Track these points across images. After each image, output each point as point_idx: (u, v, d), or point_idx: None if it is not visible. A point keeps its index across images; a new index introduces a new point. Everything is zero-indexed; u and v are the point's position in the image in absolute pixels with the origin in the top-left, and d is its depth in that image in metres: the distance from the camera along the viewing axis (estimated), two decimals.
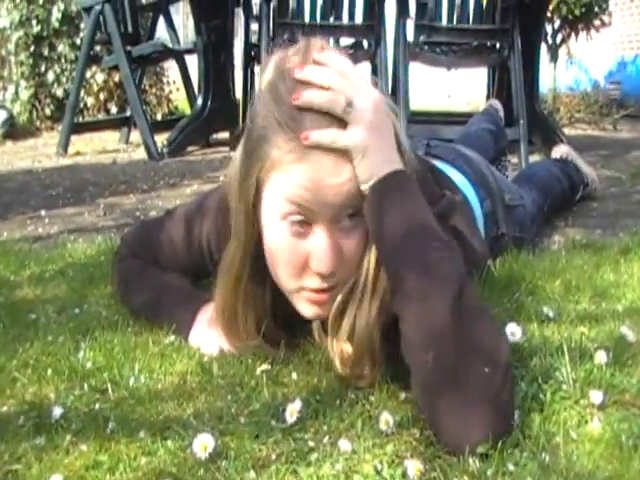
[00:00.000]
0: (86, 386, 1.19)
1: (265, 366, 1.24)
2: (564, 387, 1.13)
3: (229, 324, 1.29)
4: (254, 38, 4.96)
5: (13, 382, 1.22)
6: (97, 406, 1.12)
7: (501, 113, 2.94)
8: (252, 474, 0.94)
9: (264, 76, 1.16)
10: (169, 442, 1.01)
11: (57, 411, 1.08)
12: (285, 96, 1.10)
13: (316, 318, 1.22)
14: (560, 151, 2.81)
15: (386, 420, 1.04)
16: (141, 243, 1.60)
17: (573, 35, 8.22)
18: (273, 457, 0.98)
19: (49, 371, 1.24)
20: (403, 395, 1.14)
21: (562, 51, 8.61)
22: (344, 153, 1.08)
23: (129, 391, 1.17)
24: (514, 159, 3.45)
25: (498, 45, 4.43)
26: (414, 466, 0.93)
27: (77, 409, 1.11)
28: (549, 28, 8.01)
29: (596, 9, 8.07)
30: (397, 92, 4.29)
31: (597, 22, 8.22)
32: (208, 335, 1.34)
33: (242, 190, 1.17)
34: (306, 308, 1.21)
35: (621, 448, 0.97)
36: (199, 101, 4.85)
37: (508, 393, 1.00)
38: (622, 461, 0.94)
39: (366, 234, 1.14)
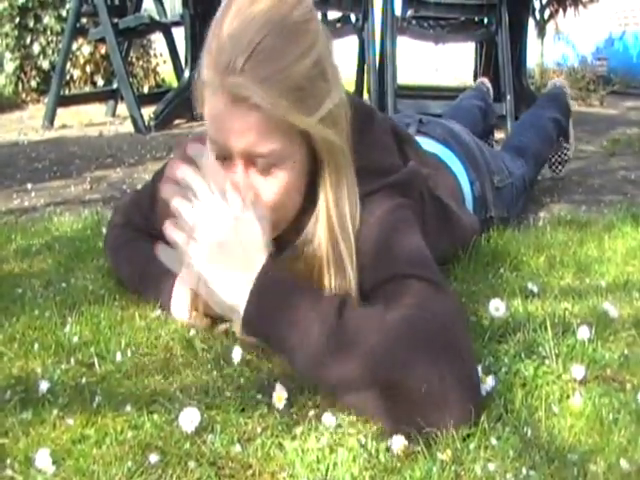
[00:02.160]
0: (72, 360, 1.19)
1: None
2: (547, 362, 1.15)
3: None
4: None
5: None
6: (84, 380, 1.12)
7: (491, 92, 2.94)
8: (238, 447, 0.95)
9: None
10: (155, 416, 1.02)
11: (43, 385, 1.08)
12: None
13: None
14: (557, 81, 2.84)
15: None
16: (133, 207, 1.59)
17: (561, 10, 8.19)
18: (258, 431, 0.99)
19: (35, 345, 1.24)
20: None
21: (550, 27, 8.59)
22: (245, 102, 1.06)
23: (115, 365, 1.18)
24: (501, 134, 3.45)
25: (486, 20, 4.42)
26: (398, 441, 0.95)
27: (64, 383, 1.11)
28: (537, 3, 7.98)
29: None
30: (385, 66, 4.28)
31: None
32: (179, 299, 1.34)
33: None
34: None
35: (602, 422, 0.99)
36: (186, 74, 4.82)
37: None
38: (602, 435, 0.96)
39: (293, 183, 1.15)
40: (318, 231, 1.18)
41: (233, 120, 1.07)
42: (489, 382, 1.06)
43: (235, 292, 1.08)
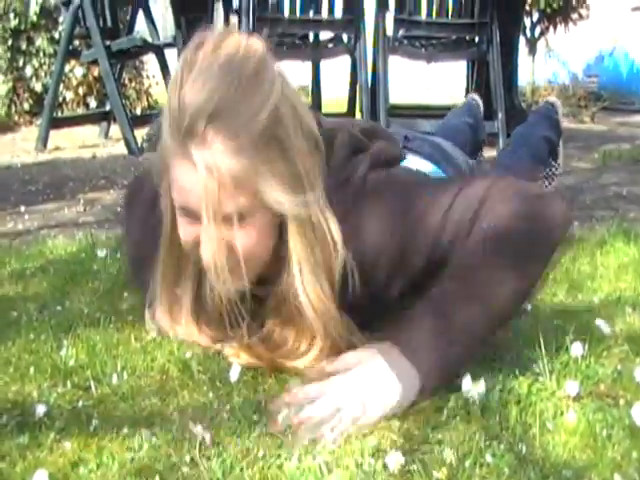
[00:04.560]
0: (69, 383, 1.20)
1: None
2: (540, 379, 1.16)
3: (168, 306, 1.30)
4: None
5: None
6: (80, 403, 1.13)
7: (481, 107, 2.95)
8: (237, 470, 0.95)
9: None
10: (153, 438, 1.02)
11: (40, 409, 1.08)
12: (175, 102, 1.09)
13: (230, 293, 1.20)
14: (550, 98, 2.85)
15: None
16: (139, 184, 1.61)
17: (552, 28, 8.28)
18: (257, 452, 0.99)
19: (31, 369, 1.24)
20: None
21: (541, 44, 8.66)
22: (208, 170, 1.07)
23: (112, 388, 1.18)
24: (492, 152, 3.47)
25: (477, 39, 4.46)
26: (395, 459, 0.95)
27: (60, 407, 1.12)
28: (527, 21, 8.07)
29: (574, 2, 8.14)
30: (377, 86, 4.31)
31: (575, 15, 8.29)
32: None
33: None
34: (215, 283, 1.20)
35: (595, 438, 1.00)
36: None
37: None
38: (596, 450, 0.97)
39: (271, 228, 1.16)
40: (292, 279, 1.18)
41: (198, 183, 1.08)
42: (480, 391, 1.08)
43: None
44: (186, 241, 1.16)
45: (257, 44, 1.14)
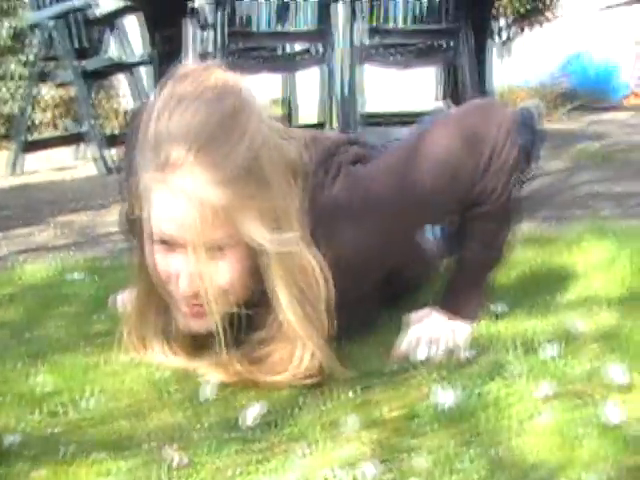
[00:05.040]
0: (41, 411, 1.18)
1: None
2: (514, 381, 1.16)
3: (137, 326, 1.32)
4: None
5: None
6: (52, 430, 1.12)
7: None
8: None
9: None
10: (126, 461, 1.01)
11: (11, 438, 1.07)
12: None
13: (196, 332, 1.24)
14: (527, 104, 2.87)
15: (341, 424, 1.06)
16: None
17: (525, 30, 8.36)
18: (231, 470, 0.98)
19: (2, 398, 1.23)
20: (357, 398, 1.16)
21: (514, 47, 8.73)
22: (189, 199, 1.09)
23: (83, 413, 1.17)
24: None
25: (448, 44, 4.49)
26: (368, 470, 0.95)
27: (32, 435, 1.10)
28: (501, 23, 8.15)
29: (540, 6, 8.23)
30: (350, 95, 4.33)
31: (548, 15, 8.37)
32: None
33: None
34: (183, 320, 1.22)
35: (567, 438, 0.99)
36: None
37: None
38: (568, 450, 0.97)
39: (245, 262, 1.16)
40: (277, 308, 1.19)
41: (177, 213, 1.09)
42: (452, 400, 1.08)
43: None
44: (162, 271, 1.17)
45: (235, 79, 1.17)
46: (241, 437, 1.06)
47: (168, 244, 1.14)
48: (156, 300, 1.27)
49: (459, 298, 1.42)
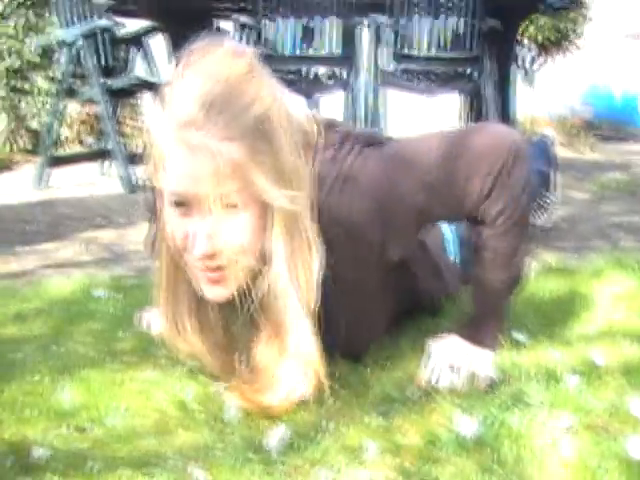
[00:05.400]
0: (68, 425, 1.20)
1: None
2: (534, 412, 1.16)
3: (169, 311, 1.33)
4: None
5: None
6: (79, 445, 1.14)
7: None
8: None
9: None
10: (151, 479, 1.03)
11: (39, 452, 1.09)
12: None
13: (217, 299, 1.25)
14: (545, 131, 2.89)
15: (363, 449, 1.07)
16: None
17: (549, 60, 8.37)
18: None
19: (29, 411, 1.25)
20: (378, 423, 1.17)
21: (538, 76, 8.74)
22: (205, 153, 1.12)
23: (109, 429, 1.19)
24: None
25: (471, 72, 4.51)
26: None
27: (59, 449, 1.12)
28: (527, 55, 8.17)
29: (570, 34, 8.24)
30: (374, 120, 4.35)
31: (571, 46, 8.39)
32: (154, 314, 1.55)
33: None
34: (205, 288, 1.24)
35: (590, 471, 1.00)
36: None
37: None
38: None
39: (257, 223, 1.19)
40: (275, 275, 1.22)
41: (192, 167, 1.13)
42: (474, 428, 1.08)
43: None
44: (177, 238, 1.20)
45: (248, 49, 1.25)
46: (264, 458, 1.08)
47: (184, 207, 1.17)
48: (182, 279, 1.28)
49: (479, 326, 1.43)
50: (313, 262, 1.23)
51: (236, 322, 1.32)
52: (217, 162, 1.12)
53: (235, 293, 1.22)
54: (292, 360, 1.24)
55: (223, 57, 1.18)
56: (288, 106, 1.24)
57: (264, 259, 1.22)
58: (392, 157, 1.37)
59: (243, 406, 1.25)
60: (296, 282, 1.22)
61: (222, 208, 1.15)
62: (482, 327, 1.43)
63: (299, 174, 1.21)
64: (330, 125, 1.38)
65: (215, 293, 1.24)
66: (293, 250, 1.21)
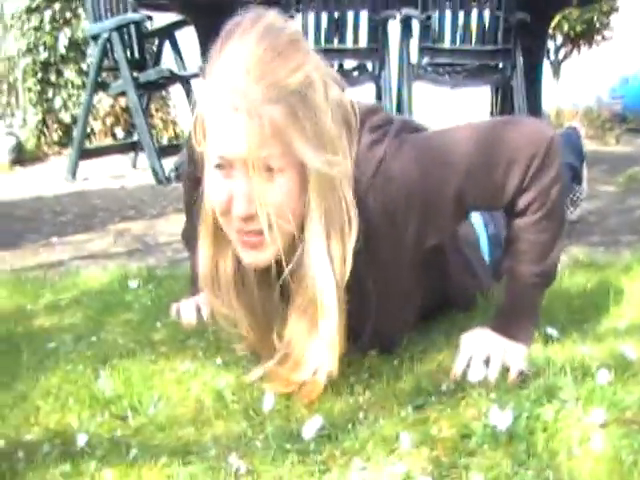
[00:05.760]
0: (107, 413, 1.24)
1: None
2: (567, 406, 1.17)
3: (209, 282, 1.35)
4: None
5: (36, 410, 1.27)
6: (119, 433, 1.17)
7: None
8: None
9: None
10: (190, 467, 1.06)
11: (81, 438, 1.13)
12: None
13: (254, 264, 1.27)
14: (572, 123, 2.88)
15: (396, 441, 1.09)
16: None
17: (576, 51, 8.31)
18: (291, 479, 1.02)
19: (70, 399, 1.28)
20: (412, 416, 1.19)
21: (565, 67, 8.68)
22: (248, 116, 1.15)
23: (149, 418, 1.22)
24: None
25: (501, 65, 4.50)
26: None
27: (100, 436, 1.15)
28: (551, 45, 8.10)
29: (597, 25, 8.17)
30: (402, 113, 4.36)
31: (598, 37, 8.32)
32: (188, 304, 1.65)
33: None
34: (243, 253, 1.26)
35: (621, 464, 1.01)
36: None
37: None
38: (622, 476, 0.98)
39: (297, 188, 1.21)
40: (309, 242, 1.24)
41: (237, 128, 1.16)
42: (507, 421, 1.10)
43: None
44: (219, 200, 1.22)
45: (292, 22, 1.28)
46: (301, 448, 1.10)
47: (226, 169, 1.20)
48: (224, 246, 1.31)
49: (512, 320, 1.44)
50: (348, 234, 1.24)
51: (272, 296, 1.35)
52: (258, 124, 1.15)
53: (272, 260, 1.25)
54: (320, 338, 1.26)
55: (269, 26, 1.20)
56: (330, 81, 1.26)
57: (301, 227, 1.24)
58: (430, 145, 1.37)
59: (278, 390, 1.27)
60: (329, 252, 1.24)
61: (262, 171, 1.17)
62: (515, 321, 1.43)
63: (338, 142, 1.24)
64: (372, 110, 1.39)
65: (252, 258, 1.26)
66: (328, 218, 1.23)
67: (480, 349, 1.37)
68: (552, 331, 1.51)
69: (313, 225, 1.23)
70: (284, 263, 1.25)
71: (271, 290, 1.34)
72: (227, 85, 1.16)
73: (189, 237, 1.77)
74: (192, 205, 1.68)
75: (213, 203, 1.25)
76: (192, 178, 1.64)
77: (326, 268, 1.24)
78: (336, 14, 4.38)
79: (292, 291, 1.30)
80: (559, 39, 8.57)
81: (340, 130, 1.26)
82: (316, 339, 1.27)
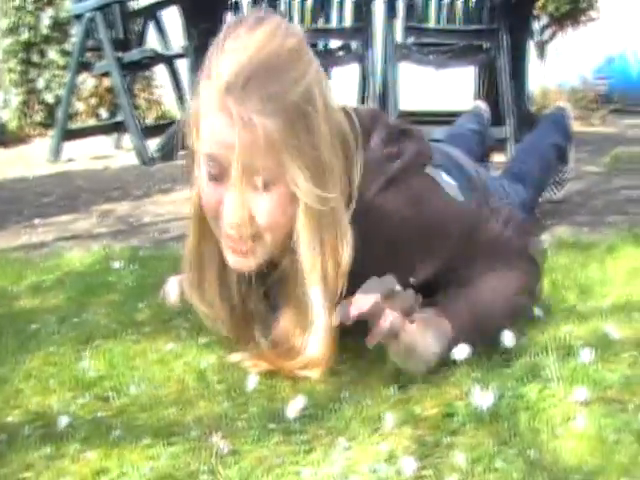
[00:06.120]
0: (89, 395, 1.23)
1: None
2: (550, 385, 1.18)
3: (194, 275, 1.36)
4: None
5: (17, 393, 1.26)
6: (101, 414, 1.16)
7: (487, 114, 2.97)
8: (254, 477, 0.98)
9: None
10: (172, 447, 1.05)
11: (62, 420, 1.12)
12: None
13: (239, 269, 1.27)
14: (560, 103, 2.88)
15: (381, 420, 1.10)
16: None
17: (561, 31, 8.30)
18: (274, 459, 1.02)
19: (52, 381, 1.28)
20: (396, 395, 1.19)
21: (550, 47, 8.67)
22: (243, 124, 1.12)
23: (131, 398, 1.21)
24: (502, 158, 3.49)
25: (486, 45, 4.49)
26: (408, 464, 0.98)
27: (82, 418, 1.15)
28: (536, 25, 8.08)
29: (583, 5, 8.15)
30: (386, 93, 4.35)
31: (584, 18, 8.30)
32: (172, 283, 1.59)
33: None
34: (229, 256, 1.25)
35: (604, 442, 1.02)
36: (189, 105, 4.86)
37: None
38: (605, 455, 0.99)
39: (288, 203, 1.19)
40: (297, 263, 1.24)
41: (229, 135, 1.13)
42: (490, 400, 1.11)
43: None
44: (210, 203, 1.21)
45: (297, 27, 1.26)
46: (284, 428, 1.10)
47: (218, 173, 1.18)
48: (211, 243, 1.31)
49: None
50: (342, 254, 1.23)
51: (252, 297, 1.35)
52: (253, 135, 1.12)
53: (256, 266, 1.25)
54: (312, 335, 1.26)
55: (274, 31, 1.17)
56: (329, 95, 1.23)
57: (290, 237, 1.23)
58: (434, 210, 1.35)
59: (264, 369, 1.28)
60: (321, 272, 1.22)
61: (254, 183, 1.16)
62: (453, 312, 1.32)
63: (334, 174, 1.21)
64: (375, 118, 1.37)
65: (238, 263, 1.25)
66: (321, 241, 1.22)
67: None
68: (536, 310, 1.51)
69: (304, 246, 1.22)
70: (272, 271, 1.27)
71: (250, 293, 1.35)
72: (224, 89, 1.13)
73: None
74: None
75: (203, 204, 1.24)
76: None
77: (318, 288, 1.23)
78: None
79: (280, 297, 1.31)
80: (544, 19, 8.55)
81: (337, 160, 1.22)
82: (308, 337, 1.27)
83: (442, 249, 1.33)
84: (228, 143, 1.14)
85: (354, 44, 4.55)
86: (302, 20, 4.34)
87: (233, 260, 1.25)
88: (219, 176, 1.18)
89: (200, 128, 1.20)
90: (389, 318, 1.16)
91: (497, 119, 3.65)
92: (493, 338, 1.30)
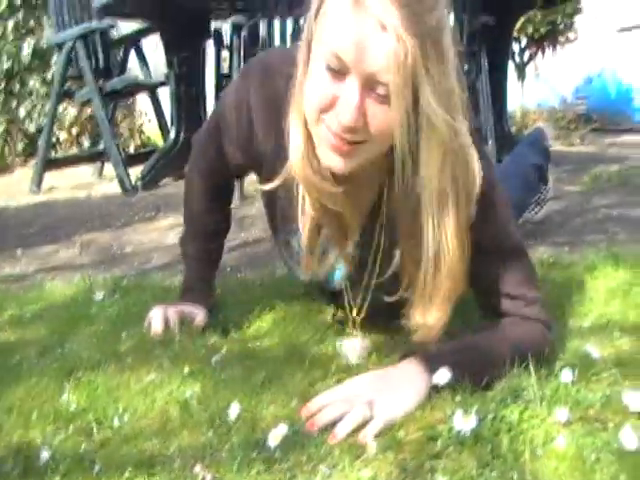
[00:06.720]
0: (71, 428, 1.22)
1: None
2: (531, 406, 1.18)
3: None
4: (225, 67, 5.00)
5: None
6: (83, 447, 1.15)
7: None
8: None
9: None
10: (154, 478, 1.05)
11: (44, 454, 1.11)
12: None
13: (336, 168, 1.25)
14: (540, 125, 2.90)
15: (363, 445, 1.10)
16: (208, 136, 1.70)
17: (540, 53, 8.39)
18: None
19: (34, 414, 1.27)
20: None
21: (529, 68, 8.76)
22: (382, 32, 1.12)
23: (113, 431, 1.21)
24: None
25: (466, 67, 4.53)
26: None
27: (64, 451, 1.14)
28: (516, 47, 8.17)
29: (561, 26, 8.26)
30: None
31: (562, 39, 8.41)
32: (156, 313, 1.64)
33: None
34: (326, 153, 1.24)
35: (584, 462, 1.02)
36: (172, 133, 4.87)
37: None
38: (585, 474, 1.00)
39: (399, 115, 1.17)
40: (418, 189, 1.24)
41: (371, 43, 1.12)
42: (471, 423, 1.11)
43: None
44: (322, 98, 1.19)
45: None
46: (267, 457, 1.09)
47: (338, 72, 1.16)
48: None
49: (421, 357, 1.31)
50: (472, 187, 1.26)
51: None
52: (389, 46, 1.11)
53: (348, 170, 1.25)
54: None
55: None
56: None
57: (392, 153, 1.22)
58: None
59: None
60: (453, 197, 1.24)
61: (377, 92, 1.16)
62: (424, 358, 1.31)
63: (461, 110, 1.22)
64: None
65: (333, 161, 1.24)
66: (452, 168, 1.22)
67: (345, 398, 1.23)
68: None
69: (433, 164, 1.21)
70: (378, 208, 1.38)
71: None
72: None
73: (187, 246, 1.83)
74: (194, 210, 1.80)
75: (312, 100, 1.22)
76: (204, 174, 1.77)
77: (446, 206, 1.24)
78: (301, 20, 4.38)
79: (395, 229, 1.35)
80: (523, 41, 8.65)
81: (463, 94, 1.23)
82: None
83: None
84: (363, 48, 1.13)
85: None
86: (282, 45, 4.36)
87: (328, 157, 1.24)
88: (339, 73, 1.16)
89: (326, 22, 1.18)
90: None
91: None
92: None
